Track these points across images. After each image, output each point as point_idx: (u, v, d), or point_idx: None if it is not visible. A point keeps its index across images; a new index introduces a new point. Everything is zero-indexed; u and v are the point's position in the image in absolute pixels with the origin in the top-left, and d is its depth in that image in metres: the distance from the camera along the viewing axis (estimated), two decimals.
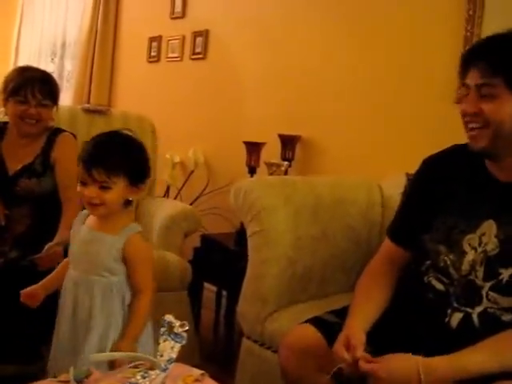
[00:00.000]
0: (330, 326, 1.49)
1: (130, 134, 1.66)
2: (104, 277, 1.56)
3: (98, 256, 1.58)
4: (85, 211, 1.68)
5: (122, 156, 1.57)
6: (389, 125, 2.69)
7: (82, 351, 1.53)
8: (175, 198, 3.60)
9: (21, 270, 2.04)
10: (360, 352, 1.31)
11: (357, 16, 2.84)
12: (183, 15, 3.93)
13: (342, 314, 1.50)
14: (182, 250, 2.62)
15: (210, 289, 2.95)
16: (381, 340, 1.38)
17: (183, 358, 1.07)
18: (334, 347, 1.35)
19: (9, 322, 1.99)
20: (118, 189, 1.56)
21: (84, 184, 1.56)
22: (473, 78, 1.33)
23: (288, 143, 2.98)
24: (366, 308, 1.46)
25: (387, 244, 1.58)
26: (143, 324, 1.59)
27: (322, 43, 3.00)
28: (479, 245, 1.36)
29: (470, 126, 1.34)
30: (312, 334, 1.48)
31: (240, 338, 2.03)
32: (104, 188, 1.54)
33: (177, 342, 0.97)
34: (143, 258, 1.61)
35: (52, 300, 1.71)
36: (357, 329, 1.38)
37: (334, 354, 1.34)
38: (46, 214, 2.25)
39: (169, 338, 0.96)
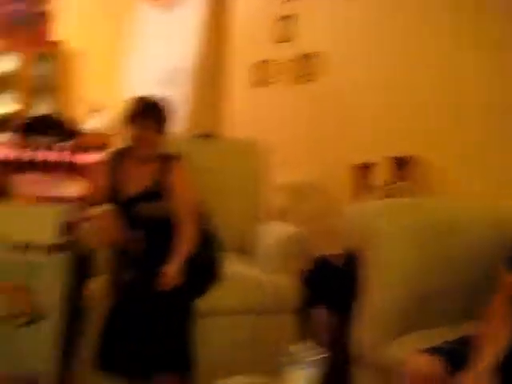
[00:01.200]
0: (450, 354, 1.44)
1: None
2: None
3: None
4: None
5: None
6: (506, 139, 2.57)
7: None
8: (286, 222, 3.61)
9: (137, 290, 2.22)
10: None
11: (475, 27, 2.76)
12: (289, 39, 3.98)
13: (460, 343, 1.46)
14: (294, 273, 2.62)
15: (321, 311, 2.93)
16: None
17: None
18: None
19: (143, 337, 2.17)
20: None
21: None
22: None
23: (399, 164, 2.92)
24: (490, 358, 1.40)
25: (505, 279, 1.50)
26: None
27: (434, 58, 2.94)
28: None
29: None
30: (433, 363, 1.43)
31: (353, 362, 2.00)
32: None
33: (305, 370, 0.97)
34: None
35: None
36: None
37: None
38: (160, 237, 2.36)
39: (296, 369, 0.96)
